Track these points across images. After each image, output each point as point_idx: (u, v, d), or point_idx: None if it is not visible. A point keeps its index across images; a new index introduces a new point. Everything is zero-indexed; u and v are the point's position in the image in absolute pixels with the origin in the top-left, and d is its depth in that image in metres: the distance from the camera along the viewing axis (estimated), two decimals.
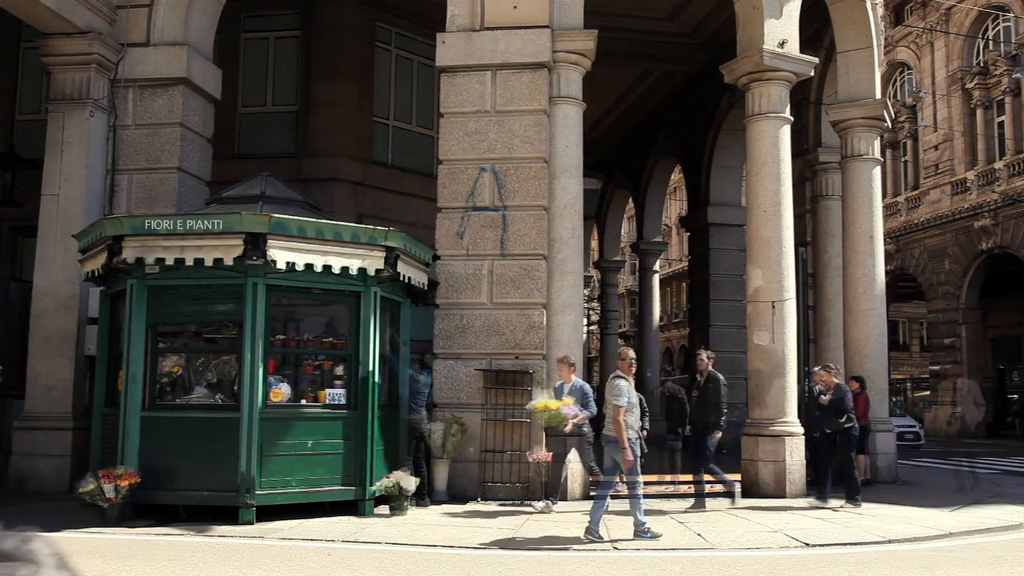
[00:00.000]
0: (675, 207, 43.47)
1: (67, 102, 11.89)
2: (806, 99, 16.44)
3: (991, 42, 29.46)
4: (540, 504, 10.14)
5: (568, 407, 9.85)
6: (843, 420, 10.52)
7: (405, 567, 7.01)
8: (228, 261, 8.81)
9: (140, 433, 8.99)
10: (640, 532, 8.25)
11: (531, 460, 10.43)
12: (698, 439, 10.70)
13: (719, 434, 10.59)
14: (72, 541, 7.87)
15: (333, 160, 15.63)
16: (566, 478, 10.62)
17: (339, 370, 9.86)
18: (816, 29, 15.48)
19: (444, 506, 10.20)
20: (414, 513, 9.55)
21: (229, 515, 8.66)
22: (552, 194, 11.32)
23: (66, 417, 11.36)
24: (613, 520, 9.34)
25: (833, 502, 10.59)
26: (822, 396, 10.81)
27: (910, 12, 32.68)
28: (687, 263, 29.19)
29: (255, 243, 8.77)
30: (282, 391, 9.33)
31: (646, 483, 13.10)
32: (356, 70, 16.06)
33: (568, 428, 9.96)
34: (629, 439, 8.11)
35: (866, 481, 13.03)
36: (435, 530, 8.57)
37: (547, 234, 11.22)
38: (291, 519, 8.94)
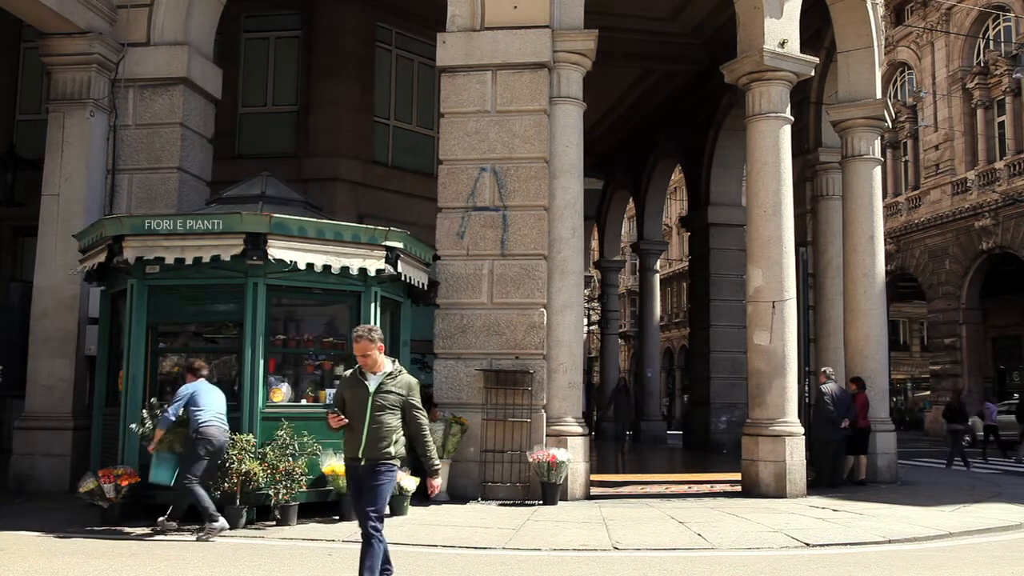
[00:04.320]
0: (675, 207, 43.46)
1: (67, 102, 11.89)
2: (806, 99, 16.43)
3: (991, 42, 29.44)
4: (217, 524, 8.06)
5: None
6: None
7: (405, 567, 7.00)
8: (228, 260, 8.80)
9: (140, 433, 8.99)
10: None
11: (531, 460, 10.43)
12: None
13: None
14: (72, 541, 7.88)
15: (333, 160, 15.63)
16: (566, 478, 10.61)
17: (339, 370, 9.85)
18: (816, 29, 15.47)
19: (444, 506, 10.20)
20: (414, 513, 9.55)
21: (229, 515, 8.64)
22: (552, 194, 11.32)
23: (66, 417, 11.36)
24: (614, 521, 9.34)
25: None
26: None
27: (910, 12, 32.67)
28: (687, 263, 29.22)
29: (255, 243, 8.76)
30: (282, 391, 9.33)
31: (644, 482, 13.16)
32: (356, 70, 16.06)
33: None
34: None
35: (864, 481, 13.08)
36: (435, 530, 8.57)
37: (547, 234, 11.22)
38: (291, 519, 8.92)
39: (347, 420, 5.37)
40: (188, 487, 8.09)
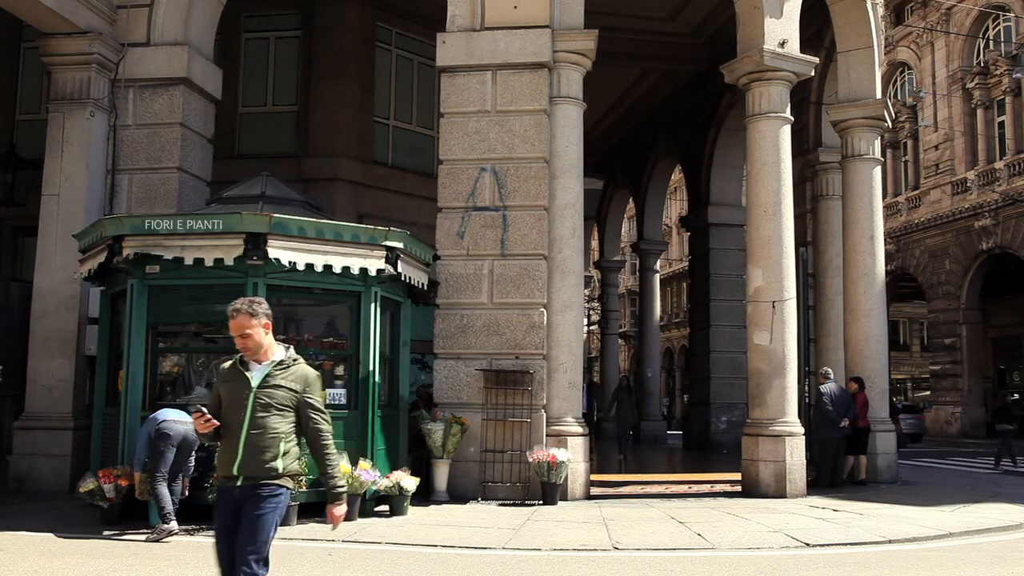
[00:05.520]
0: (675, 207, 43.47)
1: (67, 102, 11.89)
2: (806, 99, 16.44)
3: (991, 42, 29.45)
4: (167, 527, 7.93)
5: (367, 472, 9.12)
6: None
7: (405, 567, 7.01)
8: (228, 261, 8.80)
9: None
10: None
11: (531, 460, 10.43)
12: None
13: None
14: (72, 541, 7.87)
15: (333, 160, 15.63)
16: (566, 478, 10.60)
17: (339, 370, 9.87)
18: (816, 29, 15.47)
19: (444, 506, 10.20)
20: (414, 513, 9.55)
21: None
22: (552, 194, 11.32)
23: (66, 417, 11.36)
24: (614, 521, 9.34)
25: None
26: None
27: (910, 12, 32.68)
28: (687, 263, 29.22)
29: (255, 243, 8.76)
30: None
31: (644, 482, 13.15)
32: (356, 70, 16.07)
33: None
34: None
35: (864, 481, 13.08)
36: (435, 530, 8.56)
37: (547, 234, 11.22)
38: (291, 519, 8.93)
39: (218, 423, 4.10)
40: (152, 485, 8.08)
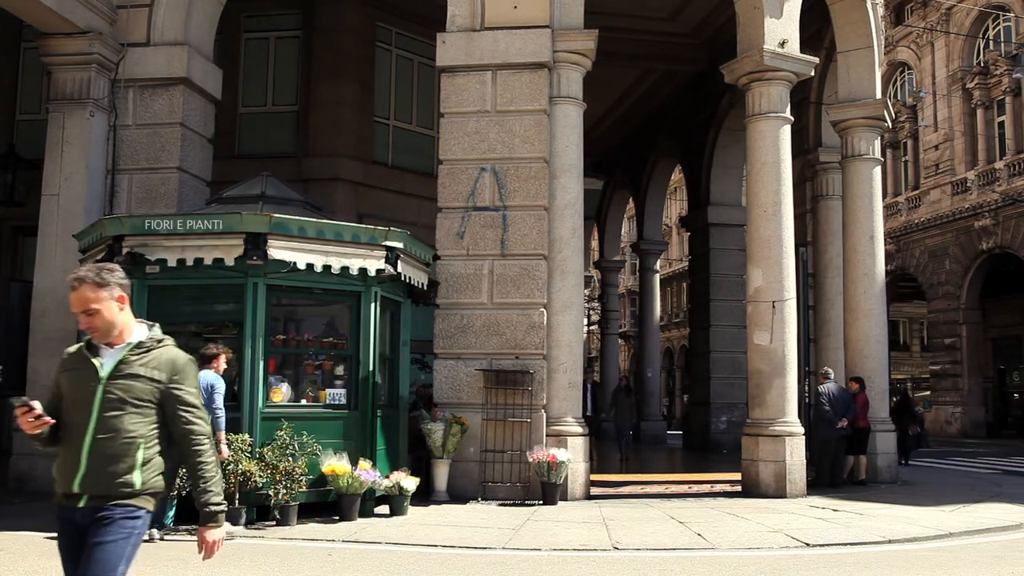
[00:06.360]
0: (675, 207, 43.47)
1: (67, 102, 11.89)
2: (806, 99, 16.44)
3: (991, 42, 29.45)
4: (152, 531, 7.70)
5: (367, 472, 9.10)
6: None
7: (405, 567, 7.01)
8: (228, 261, 8.81)
9: None
10: None
11: (531, 460, 10.43)
12: None
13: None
14: None
15: (334, 160, 15.64)
16: (566, 478, 10.61)
17: (339, 370, 9.87)
18: (816, 29, 15.48)
19: (444, 506, 10.20)
20: (414, 513, 9.55)
21: (229, 514, 8.65)
22: (552, 194, 11.32)
23: None
24: (614, 521, 9.34)
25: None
26: None
27: (910, 12, 32.68)
28: (687, 263, 29.23)
29: (255, 243, 8.78)
30: (282, 391, 9.34)
31: (644, 482, 13.16)
32: (356, 70, 16.07)
33: None
34: None
35: (864, 481, 13.09)
36: (435, 530, 8.57)
37: (547, 234, 11.22)
38: (291, 519, 8.93)
39: (51, 421, 3.12)
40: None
